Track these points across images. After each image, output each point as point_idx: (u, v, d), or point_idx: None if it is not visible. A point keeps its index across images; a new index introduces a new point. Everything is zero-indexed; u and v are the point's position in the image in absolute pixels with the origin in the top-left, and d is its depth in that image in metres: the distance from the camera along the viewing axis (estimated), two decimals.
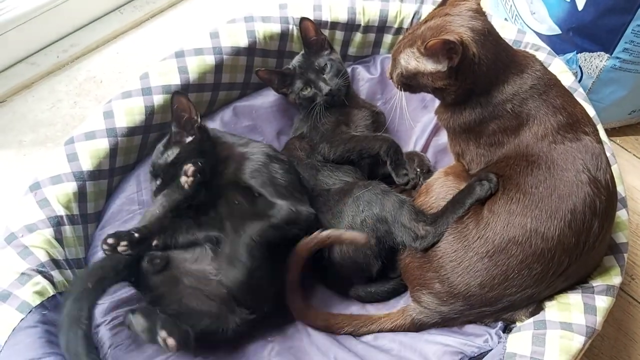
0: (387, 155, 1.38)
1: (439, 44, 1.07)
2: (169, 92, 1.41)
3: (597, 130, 1.17)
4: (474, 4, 1.15)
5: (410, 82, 1.20)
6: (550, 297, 1.15)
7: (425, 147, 1.57)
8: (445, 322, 1.21)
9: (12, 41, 1.89)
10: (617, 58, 1.62)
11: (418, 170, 1.43)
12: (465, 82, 1.14)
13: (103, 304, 1.22)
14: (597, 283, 1.17)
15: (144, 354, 1.18)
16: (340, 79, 1.48)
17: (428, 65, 1.13)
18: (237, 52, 1.52)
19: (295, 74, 1.51)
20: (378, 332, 1.25)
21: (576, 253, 1.09)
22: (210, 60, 1.49)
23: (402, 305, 1.28)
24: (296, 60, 1.54)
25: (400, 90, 1.24)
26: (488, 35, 1.12)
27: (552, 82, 1.18)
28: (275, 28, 1.56)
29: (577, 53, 1.67)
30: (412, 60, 1.16)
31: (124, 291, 1.23)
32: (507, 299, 1.13)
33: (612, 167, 1.18)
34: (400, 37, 1.25)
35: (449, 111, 1.24)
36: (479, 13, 1.14)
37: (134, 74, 1.94)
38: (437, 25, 1.12)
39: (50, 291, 1.14)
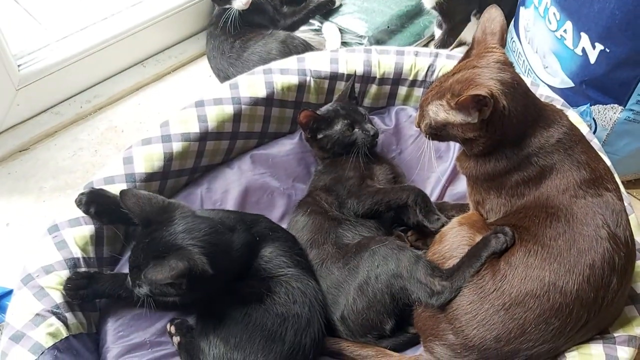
0: (416, 204, 1.38)
1: (469, 99, 1.06)
2: (188, 140, 1.45)
3: (619, 187, 1.17)
4: (501, 56, 1.14)
5: (439, 133, 1.20)
6: (571, 348, 1.13)
7: (441, 197, 1.57)
8: None
9: (37, 91, 1.95)
10: (631, 110, 1.62)
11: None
12: (495, 133, 1.13)
13: (115, 349, 1.22)
14: (619, 333, 1.15)
15: None
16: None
17: (458, 118, 1.12)
18: (255, 102, 1.56)
19: (339, 115, 1.51)
20: None
21: (594, 309, 1.07)
22: (229, 109, 1.52)
23: (415, 354, 1.25)
24: (336, 104, 1.56)
25: (429, 139, 1.24)
26: (517, 87, 1.12)
27: (577, 138, 1.17)
28: (293, 80, 1.61)
29: (590, 105, 1.68)
30: (442, 113, 1.15)
31: (136, 336, 1.24)
32: (523, 353, 1.10)
33: (629, 217, 1.17)
34: (428, 88, 1.25)
35: (472, 160, 1.22)
36: (507, 64, 1.14)
37: (154, 124, 1.98)
38: (466, 78, 1.12)
39: (64, 333, 1.14)
